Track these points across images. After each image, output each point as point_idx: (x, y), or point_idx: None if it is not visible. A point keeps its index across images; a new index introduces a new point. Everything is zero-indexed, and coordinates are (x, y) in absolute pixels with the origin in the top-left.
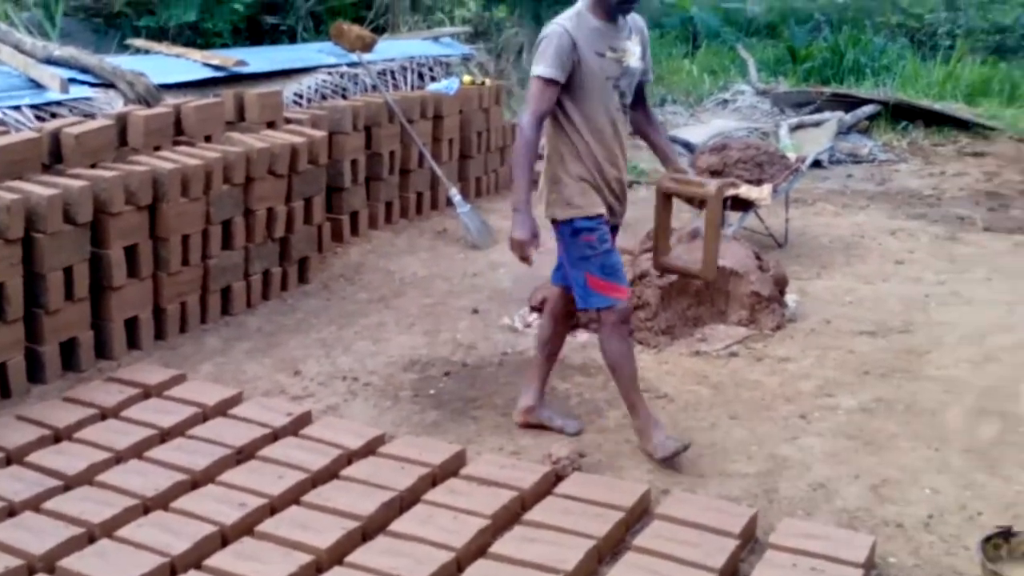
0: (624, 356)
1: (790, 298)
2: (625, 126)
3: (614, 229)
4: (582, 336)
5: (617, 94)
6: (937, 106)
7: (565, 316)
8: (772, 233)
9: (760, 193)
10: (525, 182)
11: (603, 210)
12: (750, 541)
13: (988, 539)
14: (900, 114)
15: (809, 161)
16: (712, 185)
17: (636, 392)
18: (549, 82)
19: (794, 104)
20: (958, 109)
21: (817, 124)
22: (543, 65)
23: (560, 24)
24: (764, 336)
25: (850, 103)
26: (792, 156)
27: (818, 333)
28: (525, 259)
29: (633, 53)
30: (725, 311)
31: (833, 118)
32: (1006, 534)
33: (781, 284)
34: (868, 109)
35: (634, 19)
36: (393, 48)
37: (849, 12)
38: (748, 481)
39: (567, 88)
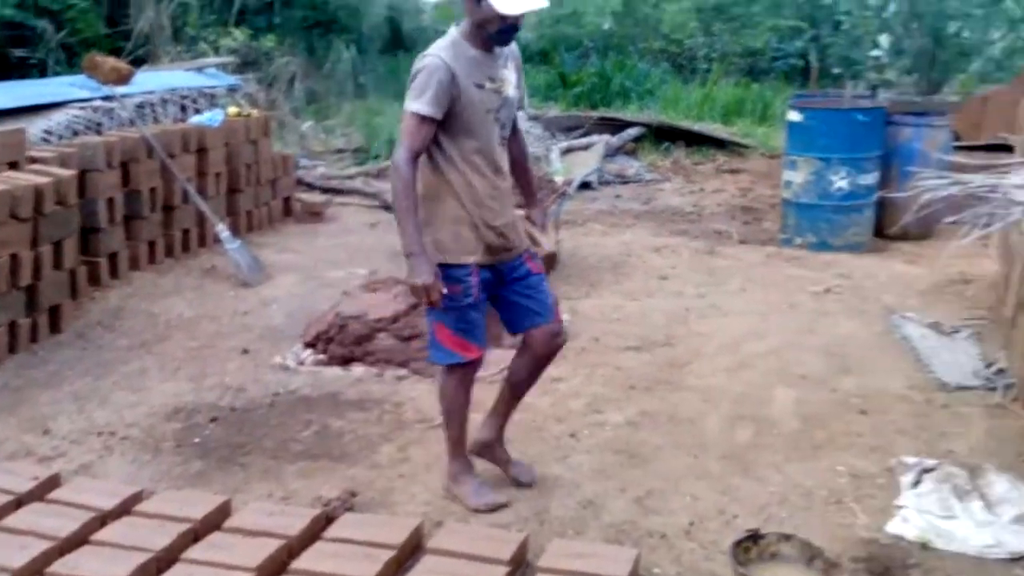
0: (456, 406)
1: (562, 318)
2: (505, 159)
3: (519, 265)
4: (357, 370)
5: (498, 126)
6: (696, 127)
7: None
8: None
9: None
10: (414, 223)
11: (474, 258)
12: (521, 566)
13: (738, 543)
14: (663, 135)
15: (576, 184)
16: (545, 245)
17: (459, 443)
18: (425, 119)
19: (564, 128)
20: (715, 129)
21: (586, 147)
22: (420, 102)
23: (437, 56)
24: None
25: (617, 126)
26: (559, 179)
27: (588, 351)
28: (433, 303)
29: (510, 82)
30: (499, 335)
31: (600, 141)
32: (754, 537)
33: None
34: (633, 131)
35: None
36: (153, 80)
37: (615, 39)
38: (520, 505)
39: (444, 123)
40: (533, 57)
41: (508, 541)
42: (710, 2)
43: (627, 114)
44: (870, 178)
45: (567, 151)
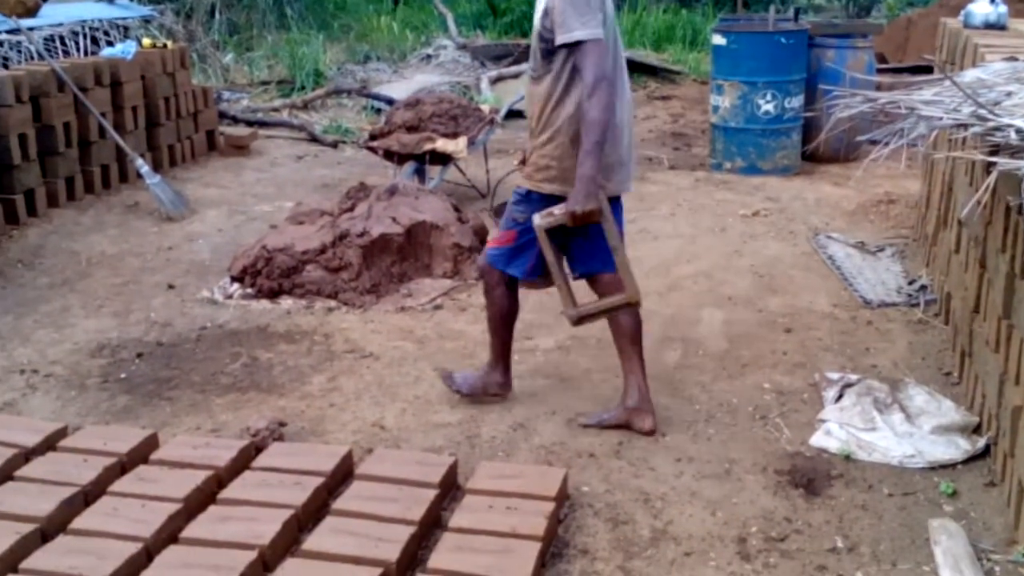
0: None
1: None
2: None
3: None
4: (286, 303)
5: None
6: (627, 53)
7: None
8: (475, 185)
9: (456, 146)
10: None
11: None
12: (452, 489)
13: None
14: None
15: (504, 111)
16: (558, 211)
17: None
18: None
19: (494, 57)
20: (646, 56)
21: (516, 76)
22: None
23: None
24: (468, 286)
25: None
26: (487, 108)
27: None
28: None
29: (537, 12)
30: (430, 264)
31: None
32: None
33: (481, 234)
34: None
35: None
36: (61, 12)
37: None
38: (451, 430)
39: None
40: None
41: (438, 464)
42: None
43: None
44: (795, 101)
45: (497, 80)
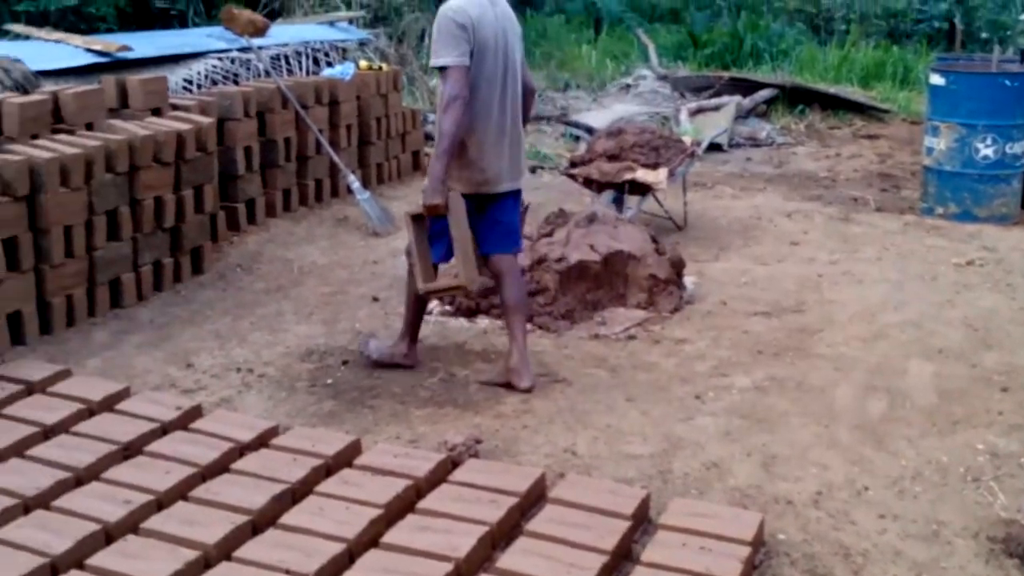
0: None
1: (688, 280)
2: None
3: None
4: (482, 322)
5: None
6: (833, 90)
7: None
8: (671, 216)
9: (656, 177)
10: None
11: None
12: (643, 522)
13: None
14: (797, 98)
15: (705, 145)
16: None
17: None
18: None
19: (694, 89)
20: (853, 92)
21: (716, 108)
22: None
23: None
24: (662, 318)
25: (749, 87)
26: (688, 140)
27: (714, 314)
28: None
29: None
30: (624, 294)
31: (732, 102)
32: None
33: (678, 266)
34: (766, 93)
35: None
36: (287, 33)
37: None
38: (643, 462)
39: None
40: (663, 16)
41: (631, 496)
42: None
43: (760, 75)
44: (1018, 147)
45: (697, 112)
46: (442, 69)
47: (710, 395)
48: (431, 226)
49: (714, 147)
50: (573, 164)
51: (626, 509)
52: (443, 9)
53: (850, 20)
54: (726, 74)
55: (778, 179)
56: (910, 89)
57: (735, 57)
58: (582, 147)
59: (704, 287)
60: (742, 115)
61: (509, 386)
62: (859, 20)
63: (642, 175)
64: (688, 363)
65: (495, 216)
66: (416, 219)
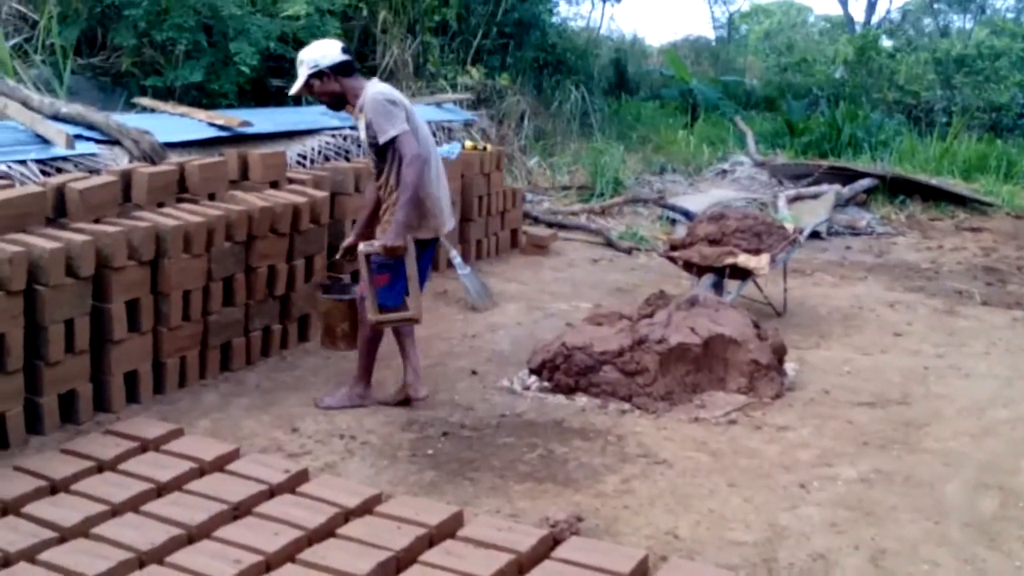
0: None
1: (789, 367)
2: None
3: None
4: (580, 400)
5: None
6: (934, 181)
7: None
8: (771, 302)
9: (758, 262)
10: None
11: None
12: None
13: None
14: (897, 188)
15: (807, 232)
16: (377, 242)
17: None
18: None
19: (792, 176)
20: (955, 184)
21: (815, 196)
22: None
23: None
24: (763, 404)
25: (848, 176)
26: (790, 227)
27: (817, 403)
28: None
29: (361, 129)
30: (724, 378)
31: (831, 190)
32: None
33: (780, 353)
34: (866, 182)
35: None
36: None
37: (846, 88)
38: (746, 550)
39: None
40: (759, 103)
41: None
42: (951, 55)
43: (859, 165)
44: None
45: (795, 199)
46: (393, 140)
47: (814, 485)
48: (395, 275)
49: (813, 234)
50: (673, 247)
51: None
52: (372, 95)
53: (951, 112)
54: (825, 163)
55: (879, 268)
56: (1014, 183)
57: (833, 146)
58: (679, 230)
59: (805, 374)
60: (841, 204)
61: (407, 401)
62: (960, 112)
63: (744, 260)
64: (791, 451)
65: (428, 256)
66: (368, 259)
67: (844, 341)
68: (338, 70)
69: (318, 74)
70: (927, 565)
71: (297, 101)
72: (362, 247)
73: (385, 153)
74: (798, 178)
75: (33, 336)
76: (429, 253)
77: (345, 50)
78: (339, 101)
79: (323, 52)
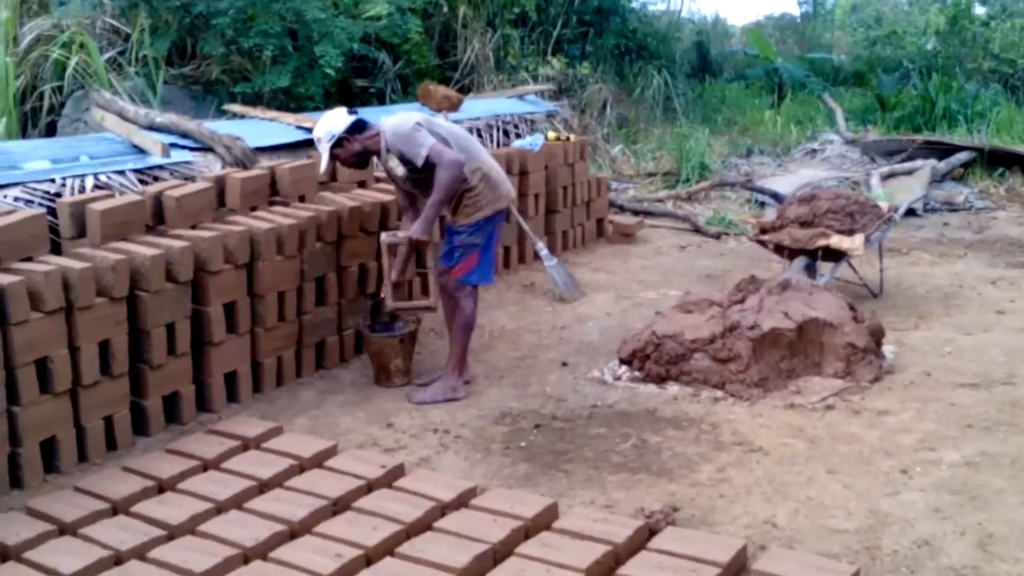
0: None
1: (887, 349)
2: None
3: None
4: (672, 389)
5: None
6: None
7: None
8: (866, 283)
9: (852, 243)
10: None
11: None
12: None
13: None
14: (996, 161)
15: (902, 210)
16: (401, 233)
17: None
18: None
19: (885, 153)
20: None
21: (909, 172)
22: None
23: None
24: (861, 388)
25: (943, 150)
26: (884, 205)
27: (917, 385)
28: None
29: (393, 167)
30: (820, 363)
31: (926, 166)
32: None
33: (877, 335)
34: (962, 156)
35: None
36: (479, 107)
37: (939, 59)
38: (848, 537)
39: None
40: (848, 79)
41: (839, 572)
42: None
43: (955, 138)
44: None
45: (889, 176)
46: (427, 159)
47: (917, 470)
48: (483, 254)
49: (909, 212)
50: (763, 231)
51: None
52: (389, 133)
53: None
54: (919, 137)
55: (979, 245)
56: None
57: (927, 120)
58: (768, 213)
59: (904, 357)
60: (937, 179)
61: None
62: None
63: (837, 241)
64: (891, 436)
65: (501, 226)
66: (391, 248)
67: (944, 321)
68: (353, 130)
69: (338, 143)
70: None
71: (381, 100)
72: (385, 237)
73: (428, 174)
74: (891, 154)
75: (136, 341)
76: (501, 220)
77: (351, 111)
78: (366, 157)
79: (333, 122)
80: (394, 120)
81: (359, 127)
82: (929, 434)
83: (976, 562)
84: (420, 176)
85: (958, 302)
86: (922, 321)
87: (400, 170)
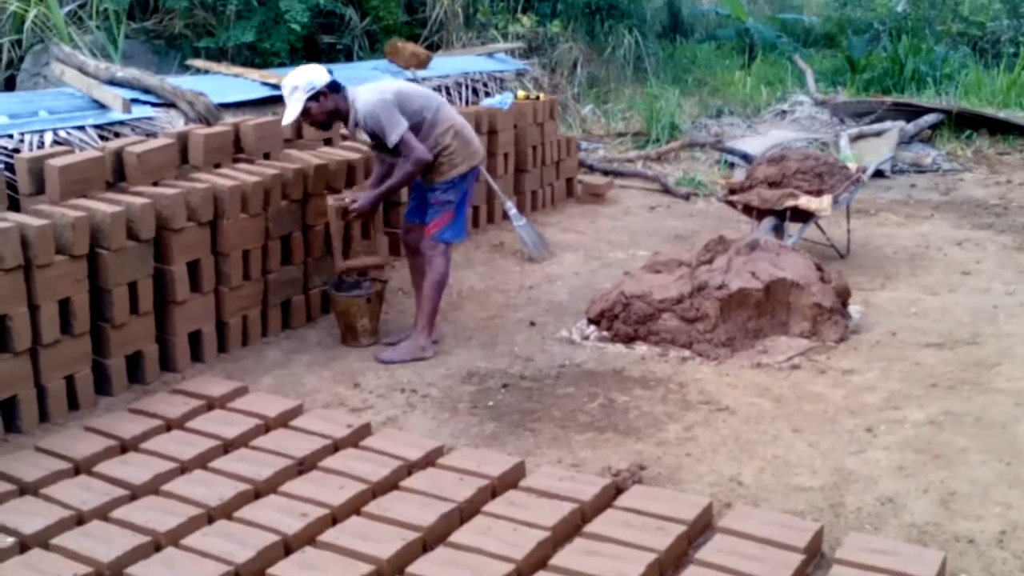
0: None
1: (853, 309)
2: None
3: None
4: (640, 348)
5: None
6: (1002, 114)
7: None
8: (834, 244)
9: (820, 204)
10: None
11: None
12: (816, 556)
13: None
14: (964, 123)
15: (870, 171)
16: (348, 197)
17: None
18: None
19: (854, 114)
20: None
21: (878, 134)
22: None
23: None
24: (827, 348)
25: (912, 112)
26: (853, 166)
27: (883, 345)
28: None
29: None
30: (787, 323)
31: (894, 127)
32: None
33: (843, 295)
34: (930, 118)
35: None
36: (448, 64)
37: (908, 21)
38: (813, 495)
39: None
40: (818, 40)
41: (803, 529)
42: None
43: (923, 100)
44: None
45: (857, 137)
46: (397, 145)
47: (882, 428)
48: (457, 211)
49: (877, 173)
50: (732, 191)
51: (799, 542)
52: (363, 107)
53: (1019, 43)
54: (888, 99)
55: (946, 206)
56: None
57: (896, 81)
58: (737, 174)
59: (870, 317)
60: (905, 140)
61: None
62: None
63: (805, 202)
64: (857, 395)
65: (474, 182)
66: (339, 212)
67: (910, 282)
68: (332, 88)
69: (315, 96)
70: (999, 507)
71: (349, 57)
72: (331, 201)
73: (395, 153)
74: (860, 116)
75: (98, 299)
76: (473, 178)
77: (329, 70)
78: (332, 119)
79: (314, 74)
80: (366, 94)
81: (336, 87)
82: (894, 393)
83: (939, 519)
84: (387, 151)
85: (924, 263)
86: (888, 281)
87: (368, 139)
